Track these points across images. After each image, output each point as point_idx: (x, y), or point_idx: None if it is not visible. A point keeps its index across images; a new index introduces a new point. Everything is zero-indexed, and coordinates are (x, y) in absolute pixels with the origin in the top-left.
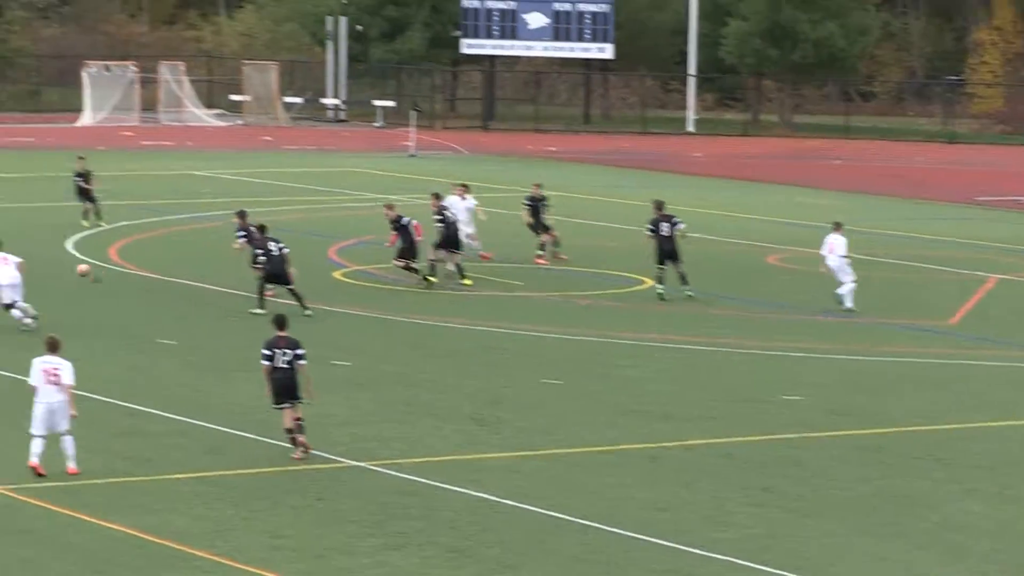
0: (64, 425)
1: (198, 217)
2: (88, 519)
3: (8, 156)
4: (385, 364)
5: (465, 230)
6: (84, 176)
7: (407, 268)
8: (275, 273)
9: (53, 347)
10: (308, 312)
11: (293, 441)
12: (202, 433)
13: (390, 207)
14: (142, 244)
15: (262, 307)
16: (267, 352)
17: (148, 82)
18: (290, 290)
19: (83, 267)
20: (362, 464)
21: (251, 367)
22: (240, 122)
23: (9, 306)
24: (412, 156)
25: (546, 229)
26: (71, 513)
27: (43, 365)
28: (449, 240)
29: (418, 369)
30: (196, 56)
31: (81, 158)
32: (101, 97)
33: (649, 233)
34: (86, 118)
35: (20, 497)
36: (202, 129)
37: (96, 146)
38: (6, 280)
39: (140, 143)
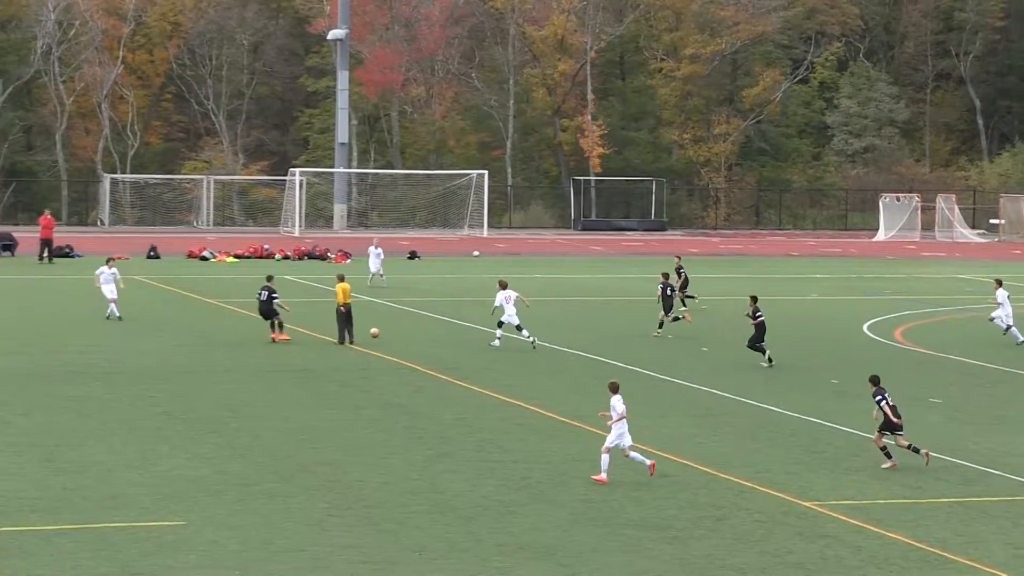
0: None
1: (961, 308)
2: (871, 528)
3: (819, 262)
4: None
5: None
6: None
7: None
8: None
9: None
10: None
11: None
12: (961, 469)
13: None
14: (920, 328)
15: None
16: None
17: (927, 209)
18: None
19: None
20: None
21: (1004, 421)
22: (996, 239)
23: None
24: None
25: None
26: (859, 524)
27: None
28: None
29: None
30: (964, 190)
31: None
32: (891, 220)
33: None
34: (880, 235)
35: (824, 511)
36: (966, 244)
37: (885, 255)
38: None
39: (919, 254)
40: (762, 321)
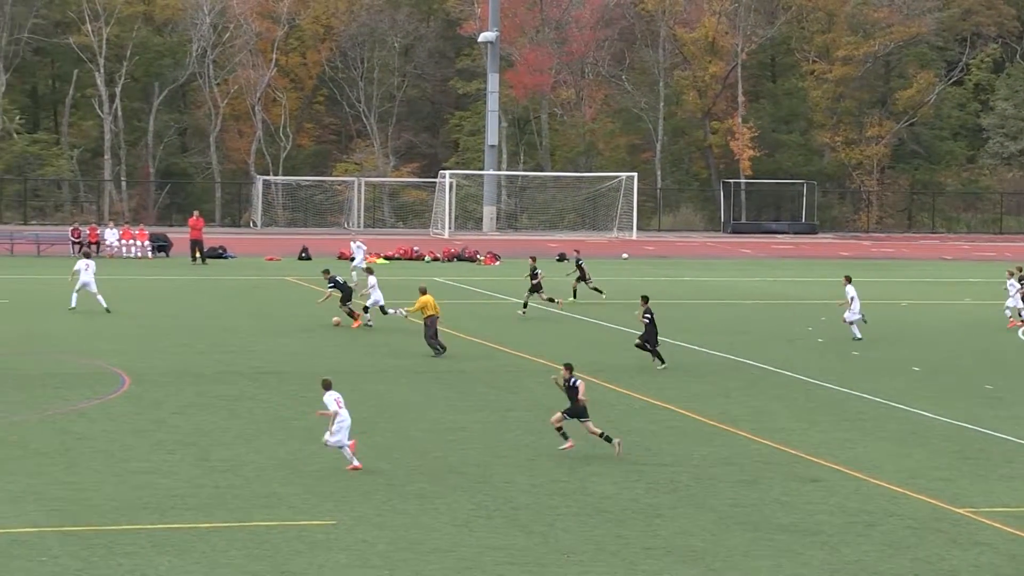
0: None
1: None
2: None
3: (973, 267)
4: None
5: None
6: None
7: None
8: None
9: None
10: None
11: None
12: None
13: None
14: None
15: None
16: None
17: None
18: None
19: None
20: None
21: None
22: None
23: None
24: None
25: None
26: (1015, 532)
27: None
28: None
29: None
30: None
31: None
32: None
33: None
34: None
35: (978, 518)
36: None
37: None
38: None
39: None
40: (652, 320)
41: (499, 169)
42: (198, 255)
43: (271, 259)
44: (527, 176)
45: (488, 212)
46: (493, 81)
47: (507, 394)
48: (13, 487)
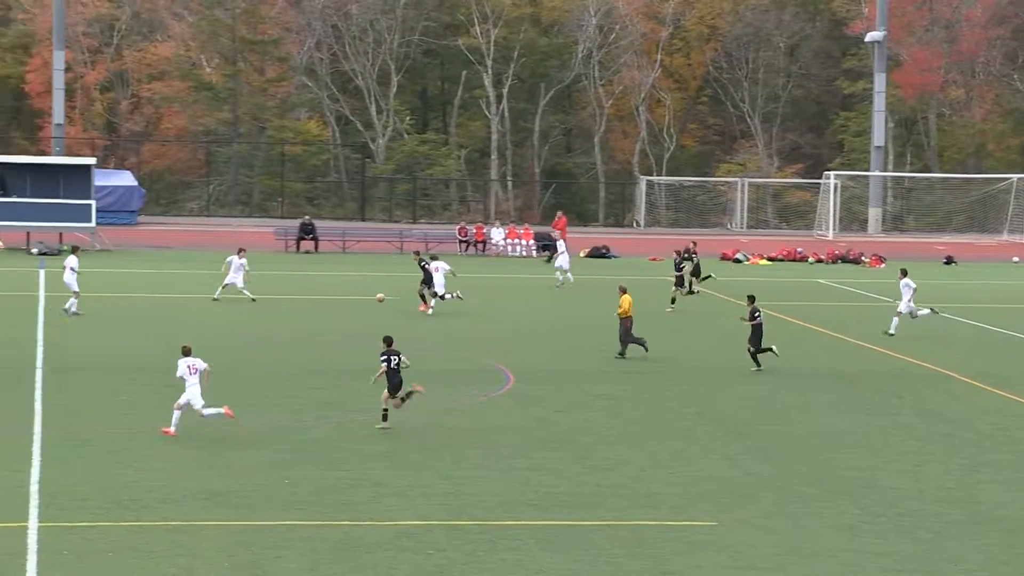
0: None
1: None
2: None
3: None
4: None
5: None
6: None
7: None
8: None
9: None
10: None
11: None
12: None
13: None
14: None
15: None
16: None
17: None
18: None
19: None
20: None
21: None
22: None
23: None
24: None
25: None
26: None
27: None
28: None
29: None
30: None
31: None
32: None
33: None
34: None
35: None
36: None
37: None
38: None
39: None
40: (760, 323)
41: (885, 170)
42: (547, 253)
43: (654, 259)
44: (914, 177)
45: (873, 214)
46: (880, 81)
47: (892, 399)
48: (401, 481)
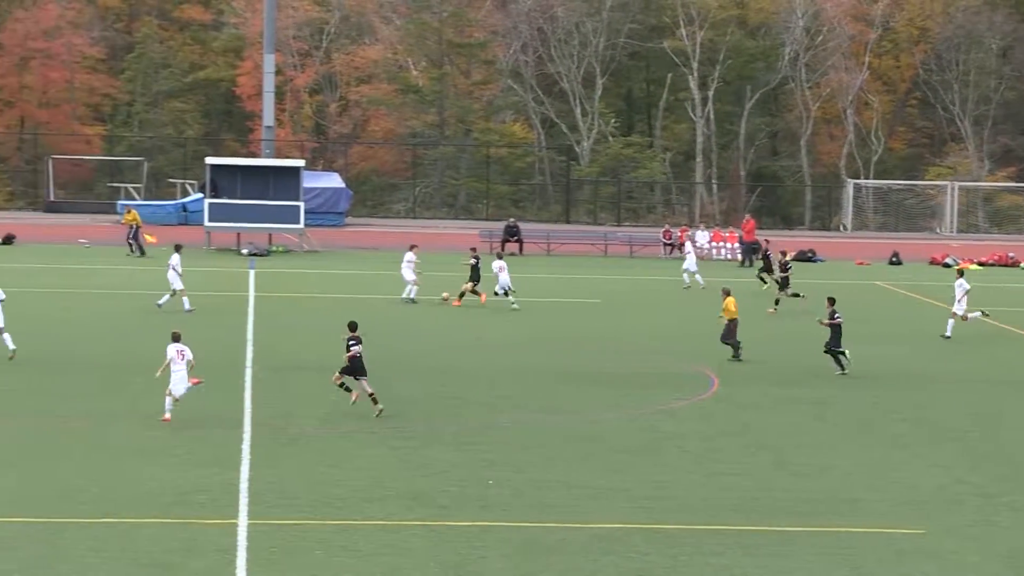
0: None
1: None
2: None
3: None
4: None
5: None
6: None
7: None
8: None
9: None
10: None
11: None
12: None
13: None
14: None
15: None
16: None
17: None
18: None
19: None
20: None
21: None
22: None
23: None
24: None
25: None
26: None
27: None
28: None
29: None
30: None
31: None
32: None
33: None
34: None
35: None
36: None
37: None
38: None
39: None
40: (839, 324)
41: None
42: (747, 258)
43: (861, 263)
44: None
45: None
46: None
47: None
48: (599, 483)
